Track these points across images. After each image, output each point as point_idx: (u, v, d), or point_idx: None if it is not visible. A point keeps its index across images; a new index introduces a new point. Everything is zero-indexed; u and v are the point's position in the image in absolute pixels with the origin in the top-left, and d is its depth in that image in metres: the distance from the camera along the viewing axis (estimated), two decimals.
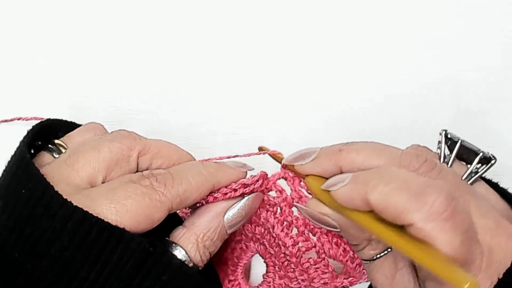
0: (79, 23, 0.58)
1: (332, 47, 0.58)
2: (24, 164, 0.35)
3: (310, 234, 0.40)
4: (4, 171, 0.37)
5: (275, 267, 0.43)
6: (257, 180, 0.40)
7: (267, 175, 0.41)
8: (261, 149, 0.45)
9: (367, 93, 0.57)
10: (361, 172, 0.34)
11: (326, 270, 0.40)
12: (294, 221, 0.41)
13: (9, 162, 0.37)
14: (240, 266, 0.44)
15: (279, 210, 0.41)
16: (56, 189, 0.34)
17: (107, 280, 0.33)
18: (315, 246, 0.40)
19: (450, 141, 0.39)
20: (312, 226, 0.40)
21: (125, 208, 0.34)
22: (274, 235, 0.40)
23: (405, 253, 0.29)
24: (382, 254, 0.37)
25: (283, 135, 0.56)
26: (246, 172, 0.41)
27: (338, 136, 0.56)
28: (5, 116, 0.50)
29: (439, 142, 0.39)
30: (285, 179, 0.41)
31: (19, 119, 0.49)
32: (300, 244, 0.40)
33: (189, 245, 0.37)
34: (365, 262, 0.37)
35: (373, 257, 0.37)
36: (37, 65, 0.57)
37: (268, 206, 0.41)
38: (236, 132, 0.56)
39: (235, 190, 0.39)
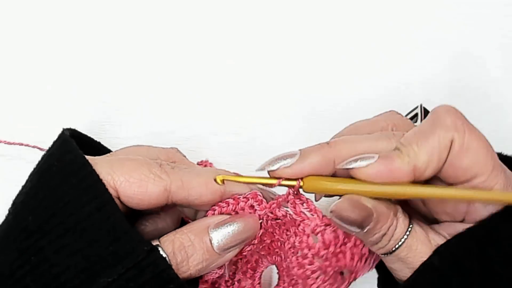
0: (77, 26, 0.58)
1: (332, 47, 0.58)
2: (62, 140, 0.37)
3: (316, 258, 0.38)
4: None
5: (284, 281, 0.41)
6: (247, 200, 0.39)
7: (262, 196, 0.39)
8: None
9: (367, 93, 0.57)
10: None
11: (335, 281, 0.39)
12: (298, 244, 0.38)
13: (52, 144, 0.38)
14: (257, 277, 0.43)
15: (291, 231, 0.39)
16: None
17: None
18: (321, 269, 0.38)
19: (426, 115, 0.39)
20: (316, 249, 0.37)
21: (121, 166, 0.35)
22: (286, 251, 0.39)
23: (462, 198, 0.35)
24: (403, 238, 0.36)
25: (284, 135, 0.56)
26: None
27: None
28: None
29: (416, 115, 0.39)
30: (288, 202, 0.39)
31: (20, 144, 0.50)
32: (307, 267, 0.38)
33: (169, 249, 0.36)
34: (389, 254, 0.37)
35: (395, 246, 0.36)
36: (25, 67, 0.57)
37: (282, 226, 0.40)
38: (236, 132, 0.56)
39: (225, 206, 0.38)
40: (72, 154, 0.36)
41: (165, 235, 0.36)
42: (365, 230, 0.35)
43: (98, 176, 0.35)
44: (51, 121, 0.55)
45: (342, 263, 0.38)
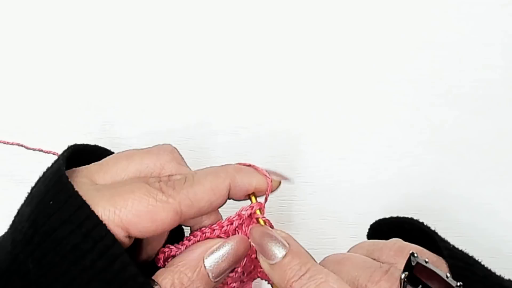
0: (77, 27, 0.58)
1: (333, 47, 0.58)
2: (57, 176, 0.35)
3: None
4: (38, 180, 0.37)
5: None
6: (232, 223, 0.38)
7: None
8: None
9: (368, 94, 0.57)
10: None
11: None
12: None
13: (44, 173, 0.37)
14: None
15: None
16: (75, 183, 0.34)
17: None
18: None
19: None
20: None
21: (125, 203, 0.34)
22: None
23: None
24: None
25: (284, 135, 0.56)
26: (279, 182, 0.39)
27: (341, 133, 0.56)
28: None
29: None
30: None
31: (20, 145, 0.49)
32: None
33: (168, 284, 0.35)
34: None
35: None
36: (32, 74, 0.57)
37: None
38: (236, 132, 0.56)
39: (213, 230, 0.38)
40: (66, 194, 0.34)
41: (162, 273, 0.36)
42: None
43: (98, 218, 0.33)
44: (51, 122, 0.55)
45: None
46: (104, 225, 0.33)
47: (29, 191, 0.37)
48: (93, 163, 0.38)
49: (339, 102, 0.57)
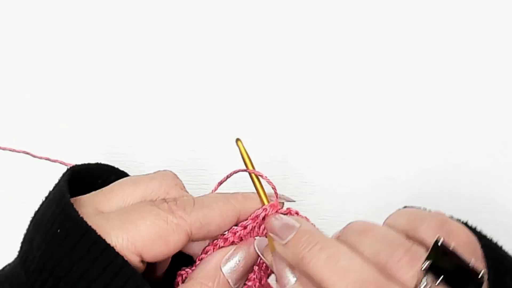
0: (79, 32, 0.58)
1: (333, 47, 0.58)
2: (63, 204, 0.34)
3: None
4: (41, 205, 0.37)
5: None
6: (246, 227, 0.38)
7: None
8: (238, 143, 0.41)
9: (368, 94, 0.57)
10: None
11: None
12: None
13: (47, 197, 0.37)
14: None
15: None
16: (81, 214, 0.33)
17: None
18: None
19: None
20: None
21: (137, 229, 0.34)
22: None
23: None
24: None
25: (284, 135, 0.56)
26: (283, 203, 0.40)
27: (341, 133, 0.56)
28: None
29: None
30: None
31: (27, 153, 0.49)
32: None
33: None
34: None
35: None
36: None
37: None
38: (236, 132, 0.56)
39: (226, 239, 0.38)
40: (72, 222, 0.34)
41: None
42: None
43: (105, 243, 0.33)
44: (51, 129, 0.55)
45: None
46: (113, 248, 0.33)
47: (33, 215, 0.36)
48: (96, 191, 0.38)
49: (339, 102, 0.57)
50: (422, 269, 0.32)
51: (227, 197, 0.38)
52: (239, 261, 0.37)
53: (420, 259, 0.32)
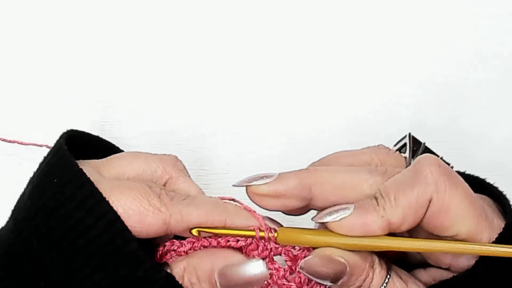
0: (77, 27, 0.58)
1: (334, 47, 0.58)
2: (60, 154, 0.36)
3: None
4: (40, 164, 0.38)
5: None
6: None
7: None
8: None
9: (369, 94, 0.57)
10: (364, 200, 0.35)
11: None
12: None
13: (45, 157, 0.38)
14: None
15: None
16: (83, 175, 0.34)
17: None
18: None
19: (415, 144, 0.39)
20: None
21: (121, 195, 0.35)
22: None
23: (442, 251, 0.35)
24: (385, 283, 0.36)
25: (284, 136, 0.56)
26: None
27: (340, 133, 0.56)
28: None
29: (404, 145, 0.39)
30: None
31: (20, 143, 0.50)
32: None
33: (176, 268, 0.36)
34: None
35: None
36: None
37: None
38: (236, 132, 0.56)
39: (227, 240, 0.37)
40: (70, 171, 0.35)
41: (176, 262, 0.37)
42: (338, 283, 0.35)
43: (101, 195, 0.34)
44: (50, 121, 0.55)
45: None
46: (108, 202, 0.34)
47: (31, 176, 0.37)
48: (98, 159, 0.39)
49: (339, 102, 0.57)
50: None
51: (219, 203, 0.37)
52: (235, 275, 0.36)
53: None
